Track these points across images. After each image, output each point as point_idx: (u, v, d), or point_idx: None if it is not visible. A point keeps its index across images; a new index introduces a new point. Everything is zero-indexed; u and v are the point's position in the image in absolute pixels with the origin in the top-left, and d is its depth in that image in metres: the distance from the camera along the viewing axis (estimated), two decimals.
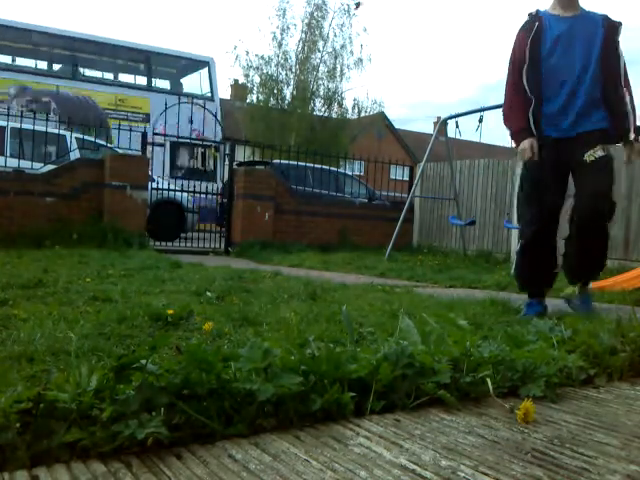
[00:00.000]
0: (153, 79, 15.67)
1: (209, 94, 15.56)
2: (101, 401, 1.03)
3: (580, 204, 2.98)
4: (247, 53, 27.50)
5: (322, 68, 27.23)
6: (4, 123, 8.53)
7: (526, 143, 3.03)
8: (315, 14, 26.98)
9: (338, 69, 27.28)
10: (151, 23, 72.18)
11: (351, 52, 27.57)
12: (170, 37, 65.25)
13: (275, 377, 1.18)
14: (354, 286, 4.01)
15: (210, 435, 1.07)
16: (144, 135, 8.59)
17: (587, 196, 2.93)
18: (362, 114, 28.73)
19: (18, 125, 8.06)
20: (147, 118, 13.88)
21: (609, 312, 2.79)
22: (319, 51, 27.22)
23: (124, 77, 15.82)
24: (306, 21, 26.99)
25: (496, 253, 8.55)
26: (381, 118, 32.55)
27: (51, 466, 0.93)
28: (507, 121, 3.21)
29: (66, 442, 0.96)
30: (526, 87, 3.06)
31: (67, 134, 9.02)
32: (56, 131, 8.23)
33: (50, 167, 7.98)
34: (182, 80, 16.64)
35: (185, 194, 9.84)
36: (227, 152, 9.15)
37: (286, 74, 26.71)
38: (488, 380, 1.39)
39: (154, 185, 8.78)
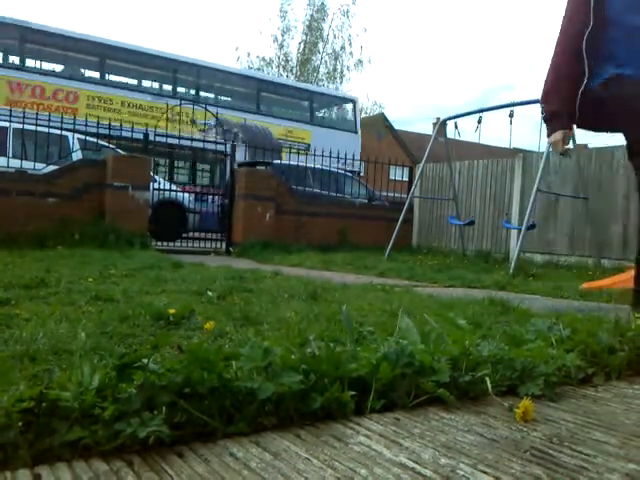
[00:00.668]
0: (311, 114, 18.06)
1: (354, 127, 18.13)
2: (103, 400, 1.03)
3: None
4: (248, 54, 27.56)
5: (322, 69, 27.30)
6: (7, 124, 8.53)
7: (558, 135, 2.68)
8: (315, 15, 27.04)
9: (338, 70, 27.34)
10: (150, 23, 72.26)
11: (351, 53, 27.65)
12: (170, 38, 65.39)
13: (276, 376, 1.18)
14: (354, 286, 4.01)
15: (211, 433, 1.07)
16: (146, 135, 8.61)
17: None
18: (362, 114, 28.74)
19: (20, 126, 8.06)
20: (308, 147, 15.07)
21: (608, 312, 2.79)
22: (319, 52, 27.27)
23: (291, 112, 18.26)
24: (307, 23, 27.03)
25: (495, 253, 8.55)
26: (381, 119, 32.59)
27: (53, 465, 0.93)
28: (547, 98, 2.72)
29: (68, 441, 0.96)
30: (584, 56, 2.51)
31: (69, 135, 9.03)
32: (58, 132, 8.23)
33: (52, 168, 7.99)
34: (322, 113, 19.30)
35: (186, 194, 9.86)
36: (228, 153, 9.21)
37: (287, 75, 26.75)
38: (487, 379, 1.40)
39: (155, 185, 8.80)
